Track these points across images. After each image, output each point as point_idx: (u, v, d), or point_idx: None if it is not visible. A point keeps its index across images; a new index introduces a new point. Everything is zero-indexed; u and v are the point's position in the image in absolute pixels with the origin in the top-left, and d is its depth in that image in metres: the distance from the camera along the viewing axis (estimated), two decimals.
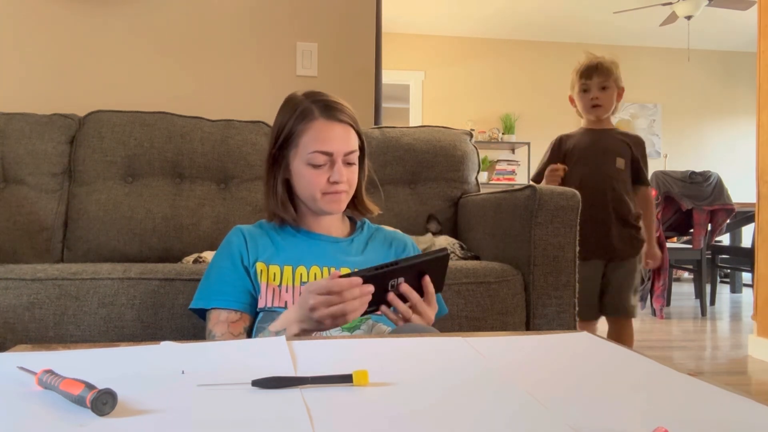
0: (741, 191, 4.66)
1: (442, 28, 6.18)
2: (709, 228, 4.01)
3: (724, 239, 5.12)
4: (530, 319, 1.56)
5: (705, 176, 3.98)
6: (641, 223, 2.15)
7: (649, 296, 3.93)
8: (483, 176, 6.07)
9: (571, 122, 7.63)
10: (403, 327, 1.00)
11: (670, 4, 4.96)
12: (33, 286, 1.37)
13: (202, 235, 1.86)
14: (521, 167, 6.30)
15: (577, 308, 1.57)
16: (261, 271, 1.15)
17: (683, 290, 5.31)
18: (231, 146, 1.95)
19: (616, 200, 2.09)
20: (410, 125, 2.71)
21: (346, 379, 0.64)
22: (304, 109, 1.15)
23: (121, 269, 1.43)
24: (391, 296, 0.99)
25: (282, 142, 1.16)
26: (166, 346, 0.79)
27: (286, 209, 1.19)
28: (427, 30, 6.21)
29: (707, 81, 6.80)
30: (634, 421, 0.55)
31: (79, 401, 0.55)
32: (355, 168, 1.19)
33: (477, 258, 1.75)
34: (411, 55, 6.28)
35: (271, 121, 2.01)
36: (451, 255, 1.76)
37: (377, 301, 0.99)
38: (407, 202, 2.02)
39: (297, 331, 0.99)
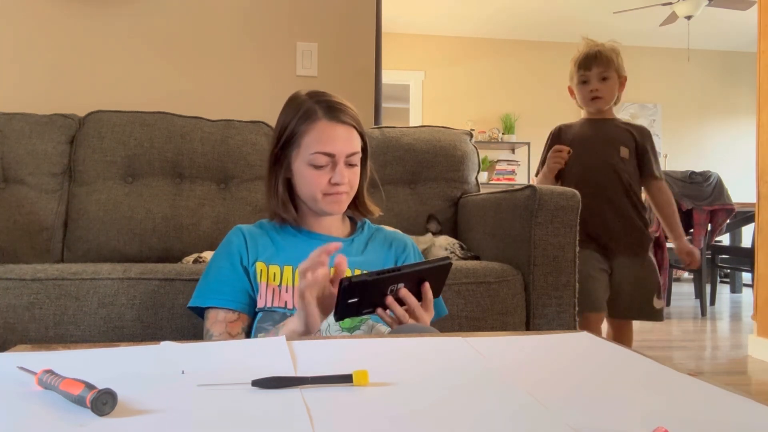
0: (741, 191, 4.67)
1: (442, 28, 6.18)
2: (709, 228, 4.01)
3: (724, 239, 5.11)
4: (530, 319, 1.56)
5: (705, 176, 3.98)
6: (652, 218, 2.04)
7: None
8: (483, 176, 6.07)
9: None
10: (402, 327, 1.00)
11: (670, 4, 4.96)
12: (33, 286, 1.37)
13: (202, 235, 1.86)
14: (521, 167, 6.31)
15: (577, 308, 1.57)
16: (261, 271, 1.15)
17: (683, 290, 5.31)
18: (231, 146, 1.95)
19: (620, 191, 1.96)
20: (410, 125, 2.71)
21: (346, 379, 0.64)
22: (308, 109, 1.14)
23: (121, 269, 1.43)
24: (390, 300, 0.99)
25: (284, 141, 1.16)
26: (166, 346, 0.79)
27: (286, 209, 1.19)
28: (427, 30, 6.22)
29: (707, 81, 6.80)
30: (634, 421, 0.55)
31: (79, 401, 0.55)
32: (357, 169, 1.19)
33: (477, 258, 1.75)
34: (411, 55, 6.28)
35: (270, 121, 2.02)
36: (451, 255, 1.76)
37: (375, 304, 0.99)
38: (407, 202, 2.02)
39: (291, 326, 0.99)
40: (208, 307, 1.14)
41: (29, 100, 2.15)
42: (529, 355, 0.81)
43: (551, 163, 1.98)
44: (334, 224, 1.24)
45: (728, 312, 4.36)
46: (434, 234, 1.89)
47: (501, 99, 6.42)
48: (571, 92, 2.09)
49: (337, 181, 1.13)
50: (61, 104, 2.11)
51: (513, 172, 6.27)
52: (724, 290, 5.33)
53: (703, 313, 4.10)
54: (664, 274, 3.86)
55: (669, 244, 4.09)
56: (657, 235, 3.81)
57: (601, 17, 5.76)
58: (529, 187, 1.58)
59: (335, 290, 0.96)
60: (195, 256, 1.69)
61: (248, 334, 1.14)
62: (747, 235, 4.85)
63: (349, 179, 1.16)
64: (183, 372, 0.67)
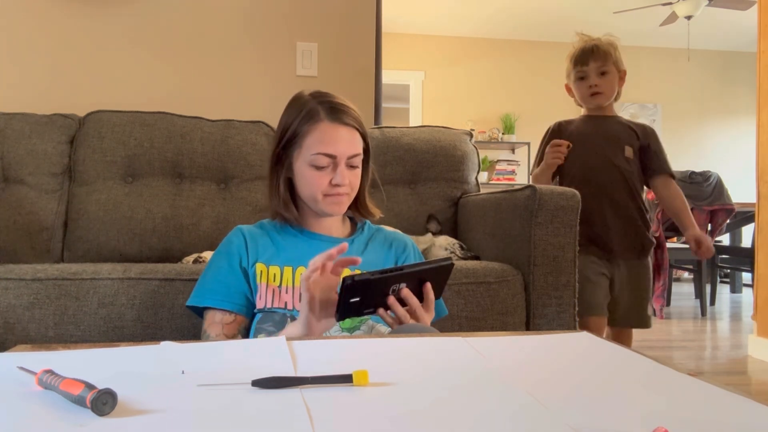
0: (741, 191, 4.67)
1: (442, 28, 6.17)
2: (709, 228, 4.01)
3: (724, 239, 5.12)
4: (530, 319, 1.56)
5: (705, 176, 3.98)
6: (652, 217, 2.03)
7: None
8: (483, 176, 6.07)
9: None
10: (402, 327, 1.00)
11: (670, 4, 4.96)
12: (33, 286, 1.37)
13: (202, 235, 1.86)
14: (521, 167, 6.30)
15: (577, 308, 1.57)
16: (261, 272, 1.15)
17: (683, 290, 5.31)
18: (231, 146, 1.95)
19: (624, 193, 1.88)
20: (410, 125, 2.71)
21: (346, 379, 0.64)
22: (310, 109, 1.14)
23: (121, 269, 1.43)
24: (391, 300, 0.99)
25: (286, 141, 1.16)
26: (166, 346, 0.79)
27: (288, 208, 1.19)
28: (427, 30, 6.21)
29: (707, 81, 6.80)
30: (634, 421, 0.55)
31: (79, 401, 0.55)
32: (358, 171, 1.19)
33: (477, 258, 1.75)
34: (411, 55, 6.28)
35: (270, 121, 2.03)
36: (451, 255, 1.76)
37: (376, 304, 0.99)
38: (407, 202, 2.02)
39: (290, 329, 1.00)
40: (206, 308, 1.14)
41: (29, 100, 2.15)
42: (529, 355, 0.81)
43: (550, 158, 1.89)
44: (335, 225, 1.24)
45: (728, 312, 4.36)
46: (434, 234, 1.89)
47: (501, 99, 6.42)
48: (569, 90, 2.02)
49: (337, 182, 1.13)
50: (61, 104, 2.11)
51: (513, 172, 6.27)
52: (724, 290, 5.33)
53: (703, 313, 4.10)
54: (664, 274, 3.87)
55: (669, 244, 4.11)
56: (657, 235, 3.83)
57: (601, 17, 5.76)
58: (529, 187, 1.58)
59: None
60: (195, 256, 1.70)
61: (246, 336, 1.14)
62: (747, 235, 4.85)
63: (350, 181, 1.16)
64: (183, 372, 0.67)
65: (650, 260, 1.96)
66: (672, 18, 5.13)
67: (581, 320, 1.70)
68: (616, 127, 1.94)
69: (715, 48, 6.73)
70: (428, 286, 1.02)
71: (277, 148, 1.18)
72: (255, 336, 1.12)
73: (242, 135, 1.97)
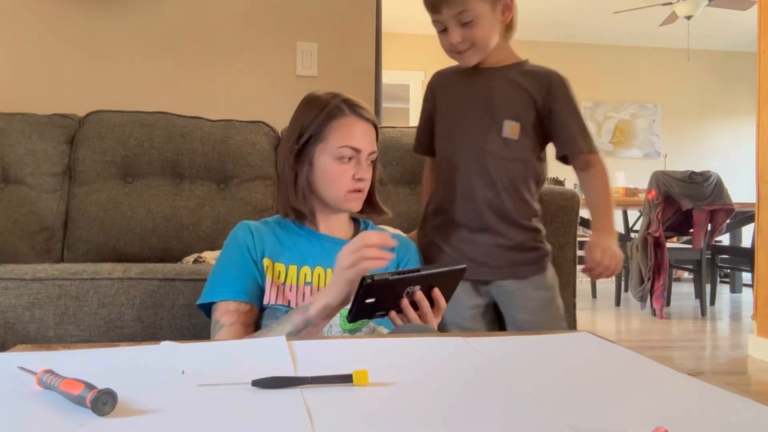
0: (741, 191, 4.66)
1: None
2: (709, 228, 4.01)
3: (724, 239, 5.12)
4: None
5: (705, 176, 3.98)
6: (541, 225, 1.39)
7: (649, 296, 3.93)
8: None
9: None
10: (403, 327, 1.00)
11: (670, 4, 4.96)
12: (33, 286, 1.37)
13: (202, 235, 1.86)
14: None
15: (576, 308, 1.57)
16: (267, 267, 1.15)
17: (683, 290, 5.31)
18: (231, 146, 1.95)
19: (494, 194, 1.31)
20: (410, 125, 2.71)
21: (346, 379, 0.64)
22: (335, 106, 1.17)
23: (121, 269, 1.43)
24: (405, 303, 0.99)
25: (308, 137, 1.17)
26: (166, 346, 0.79)
27: (306, 203, 1.18)
28: (427, 30, 6.13)
29: (707, 81, 6.80)
30: (634, 421, 0.55)
31: (79, 401, 0.55)
32: (371, 169, 1.21)
33: None
34: (411, 55, 6.28)
35: (270, 121, 2.03)
36: None
37: (389, 306, 0.99)
38: (407, 202, 2.01)
39: (324, 301, 1.00)
40: (218, 301, 1.12)
41: (29, 100, 2.15)
42: (529, 355, 0.81)
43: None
44: (339, 225, 1.24)
45: (728, 312, 4.36)
46: None
47: None
48: None
49: (361, 176, 1.16)
50: (61, 104, 2.11)
51: None
52: (724, 290, 5.33)
53: (703, 313, 4.10)
54: (664, 274, 3.88)
55: (669, 244, 4.11)
56: (657, 235, 3.83)
57: (601, 17, 5.76)
58: None
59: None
60: (195, 256, 1.70)
61: (258, 329, 1.13)
62: (747, 235, 4.85)
63: (369, 177, 1.19)
64: (183, 372, 0.67)
65: (552, 272, 1.40)
66: (672, 18, 5.13)
67: None
68: (499, 88, 1.34)
69: (715, 48, 6.73)
70: (437, 291, 1.02)
71: (297, 145, 1.18)
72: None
73: (242, 135, 1.97)
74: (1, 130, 1.87)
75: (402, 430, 0.53)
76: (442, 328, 1.14)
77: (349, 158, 1.16)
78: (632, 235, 4.79)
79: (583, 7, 5.62)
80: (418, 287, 0.99)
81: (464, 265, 1.03)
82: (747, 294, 5.04)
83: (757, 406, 0.60)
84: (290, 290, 1.13)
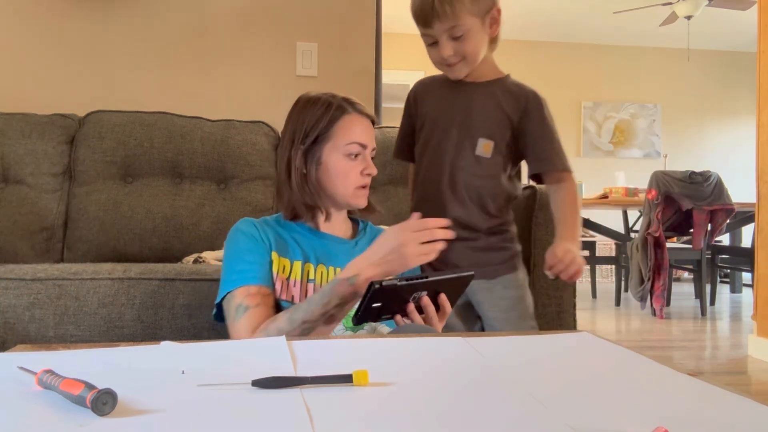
0: (741, 191, 4.66)
1: None
2: (709, 228, 4.01)
3: (724, 239, 5.11)
4: None
5: (705, 176, 3.98)
6: (512, 226, 1.43)
7: (649, 296, 3.93)
8: None
9: (573, 122, 7.61)
10: (403, 327, 1.00)
11: (670, 4, 4.96)
12: (33, 286, 1.37)
13: (202, 235, 1.86)
14: (521, 167, 6.30)
15: (576, 308, 1.57)
16: (273, 260, 1.15)
17: (683, 290, 5.31)
18: (231, 146, 1.95)
19: (464, 211, 1.34)
20: None
21: (346, 379, 0.64)
22: (339, 105, 1.19)
23: (121, 269, 1.43)
24: (411, 308, 0.99)
25: (315, 137, 1.17)
26: (166, 346, 0.79)
27: (318, 198, 1.19)
28: None
29: (707, 81, 6.80)
30: (634, 421, 0.55)
31: (79, 401, 0.55)
32: None
33: None
34: (411, 55, 6.26)
35: (270, 121, 2.03)
36: None
37: (395, 310, 0.99)
38: (407, 202, 2.01)
39: (373, 273, 1.01)
40: (235, 288, 1.09)
41: (29, 100, 2.15)
42: (529, 354, 0.81)
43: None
44: (339, 224, 1.24)
45: (728, 312, 4.36)
46: None
47: None
48: None
49: (369, 171, 1.19)
50: (61, 104, 2.11)
51: None
52: (724, 290, 5.33)
53: (703, 313, 4.10)
54: (664, 274, 3.88)
55: (669, 244, 4.11)
56: (657, 235, 3.83)
57: (601, 17, 5.76)
58: (530, 187, 1.58)
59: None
60: (195, 256, 1.70)
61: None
62: (747, 235, 4.85)
63: (375, 171, 1.21)
64: (183, 372, 0.67)
65: (524, 272, 1.43)
66: (672, 18, 5.13)
67: None
68: (477, 106, 1.35)
69: (715, 48, 6.73)
70: (444, 296, 1.03)
71: (303, 145, 1.18)
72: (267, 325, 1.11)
73: (242, 135, 1.97)
74: (1, 130, 1.87)
75: (402, 430, 0.53)
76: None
77: (356, 155, 1.18)
78: (632, 235, 4.79)
79: (583, 7, 5.62)
80: (425, 293, 0.99)
81: (472, 272, 1.04)
82: (747, 294, 5.04)
83: (757, 406, 0.60)
84: (294, 286, 1.13)
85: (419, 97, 1.46)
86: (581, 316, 3.91)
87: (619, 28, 6.00)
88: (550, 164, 1.35)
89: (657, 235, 3.84)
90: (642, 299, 3.96)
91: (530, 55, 6.44)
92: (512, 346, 0.84)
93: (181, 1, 2.35)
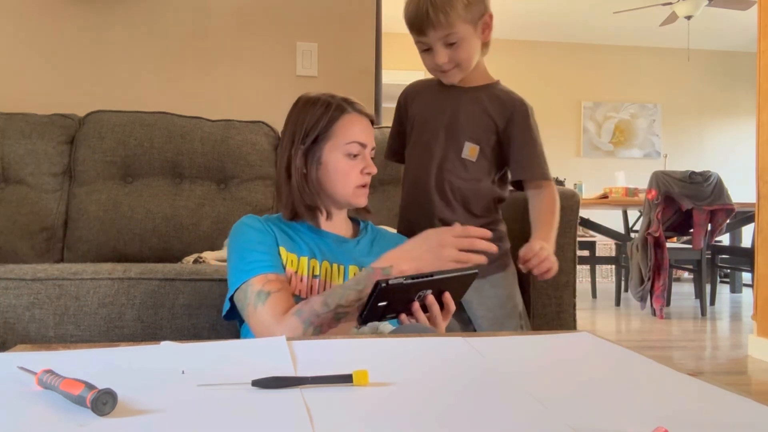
0: (741, 191, 4.67)
1: None
2: (709, 228, 4.01)
3: (724, 239, 5.11)
4: (530, 319, 1.56)
5: (705, 176, 3.98)
6: (501, 225, 1.44)
7: (649, 296, 3.93)
8: None
9: (573, 122, 7.61)
10: (403, 327, 1.00)
11: (670, 4, 4.96)
12: (33, 286, 1.37)
13: (202, 235, 1.86)
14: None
15: (576, 308, 1.57)
16: (281, 254, 1.15)
17: (683, 290, 5.31)
18: (231, 146, 1.95)
19: (451, 212, 1.36)
20: None
21: (346, 379, 0.64)
22: (338, 104, 1.19)
23: (121, 269, 1.43)
24: (416, 306, 1.00)
25: (316, 136, 1.18)
26: (166, 346, 0.79)
27: (319, 197, 1.19)
28: None
29: (707, 81, 6.80)
30: (634, 421, 0.55)
31: (79, 401, 0.55)
32: None
33: None
34: (411, 55, 6.26)
35: (270, 121, 2.03)
36: None
37: (400, 309, 0.99)
38: None
39: (407, 267, 1.02)
40: (252, 277, 1.07)
41: (29, 100, 2.15)
42: (529, 355, 0.81)
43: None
44: (340, 224, 1.25)
45: (728, 312, 4.36)
46: None
47: None
48: None
49: (369, 171, 1.19)
50: (61, 104, 2.11)
51: None
52: (724, 290, 5.33)
53: (703, 313, 4.10)
54: (664, 274, 3.88)
55: (669, 244, 4.11)
56: (657, 235, 3.83)
57: (601, 17, 5.76)
58: None
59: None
60: (195, 256, 1.70)
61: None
62: (747, 235, 4.85)
63: (375, 170, 1.22)
64: (183, 372, 0.67)
65: (513, 270, 1.43)
66: (672, 18, 5.13)
67: None
68: (465, 110, 1.38)
69: (715, 48, 6.73)
70: (448, 295, 1.02)
71: (303, 145, 1.18)
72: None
73: (242, 135, 1.97)
74: (1, 130, 1.87)
75: (402, 430, 0.53)
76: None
77: (356, 154, 1.18)
78: (632, 235, 4.79)
79: (583, 7, 5.62)
80: (429, 291, 0.99)
81: (476, 270, 1.03)
82: (747, 294, 5.04)
83: (757, 406, 0.60)
84: (301, 280, 1.13)
85: (410, 99, 1.48)
86: (581, 316, 3.91)
87: (619, 28, 6.00)
88: (530, 172, 1.38)
89: (657, 235, 3.84)
90: (642, 299, 3.96)
91: (530, 55, 6.44)
92: (512, 346, 0.84)
93: (181, 1, 2.35)
